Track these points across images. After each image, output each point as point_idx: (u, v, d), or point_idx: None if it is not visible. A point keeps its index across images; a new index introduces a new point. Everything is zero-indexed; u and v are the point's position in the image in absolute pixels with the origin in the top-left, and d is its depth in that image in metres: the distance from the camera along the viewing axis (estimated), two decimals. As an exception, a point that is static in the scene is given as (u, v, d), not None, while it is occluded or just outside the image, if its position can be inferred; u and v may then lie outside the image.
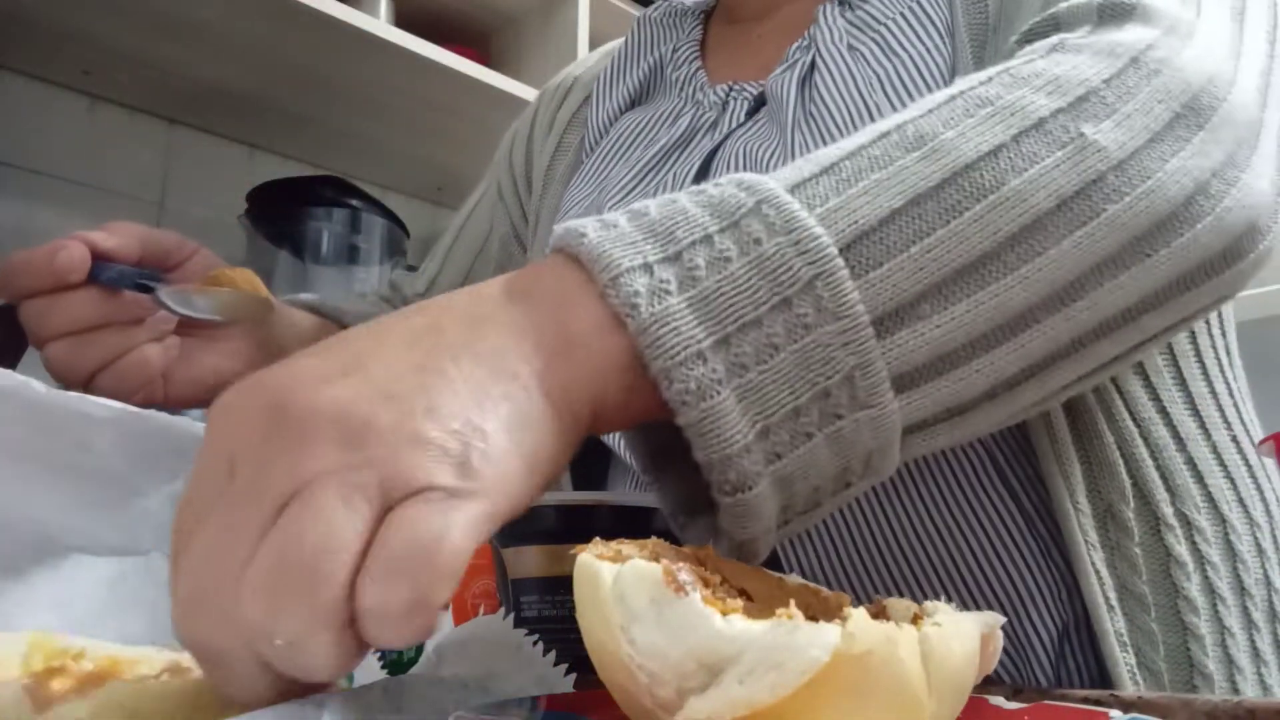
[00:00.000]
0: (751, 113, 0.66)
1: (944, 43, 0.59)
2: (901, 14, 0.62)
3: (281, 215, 1.40)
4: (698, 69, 0.73)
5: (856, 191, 0.37)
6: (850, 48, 0.62)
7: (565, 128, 0.80)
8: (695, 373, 0.34)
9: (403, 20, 1.41)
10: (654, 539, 0.34)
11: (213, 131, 1.51)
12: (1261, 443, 0.40)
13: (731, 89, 0.69)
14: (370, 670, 0.46)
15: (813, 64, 0.63)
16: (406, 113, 1.47)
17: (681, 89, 0.73)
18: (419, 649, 0.53)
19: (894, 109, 0.57)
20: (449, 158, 1.58)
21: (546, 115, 0.84)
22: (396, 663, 0.54)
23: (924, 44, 0.60)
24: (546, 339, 0.34)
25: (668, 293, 0.34)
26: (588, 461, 0.71)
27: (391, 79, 1.39)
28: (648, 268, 0.34)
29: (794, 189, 0.37)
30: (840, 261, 0.35)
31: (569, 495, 0.49)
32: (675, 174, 0.66)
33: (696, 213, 0.36)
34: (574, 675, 0.36)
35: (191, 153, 1.50)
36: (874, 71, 0.60)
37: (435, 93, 1.43)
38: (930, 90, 0.57)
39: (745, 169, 0.62)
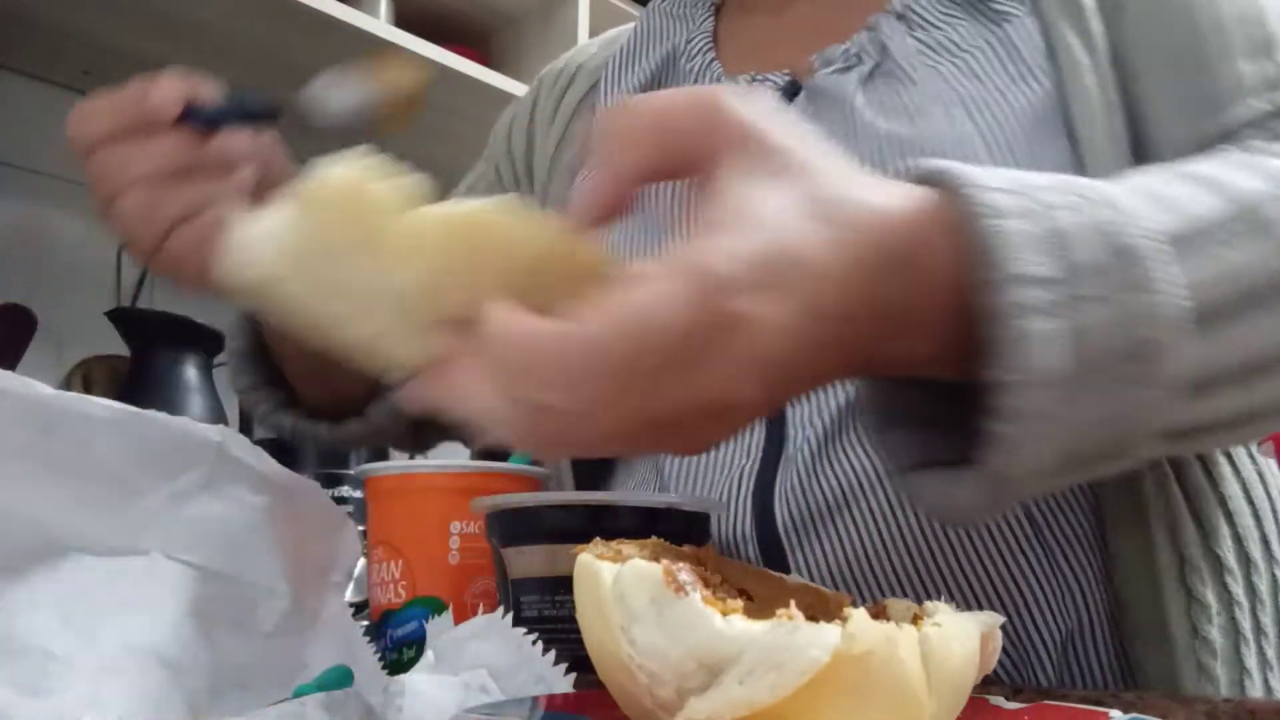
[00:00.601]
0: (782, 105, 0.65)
1: (1039, 69, 0.59)
2: (987, 42, 0.61)
3: (281, 215, 1.40)
4: (712, 60, 0.72)
5: (1223, 271, 0.40)
6: (928, 65, 0.61)
7: (571, 116, 0.79)
8: (1036, 396, 0.35)
9: (403, 20, 1.41)
10: (654, 539, 0.34)
11: (213, 131, 1.51)
12: (1261, 443, 0.40)
13: (754, 79, 0.68)
14: (371, 670, 0.46)
15: (874, 70, 0.62)
16: (407, 112, 1.47)
17: (696, 80, 0.72)
18: (419, 649, 0.53)
19: (978, 130, 0.57)
20: (449, 158, 1.58)
21: (549, 103, 0.82)
22: (397, 663, 0.54)
23: (1009, 73, 0.60)
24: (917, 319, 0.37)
25: (1050, 314, 0.35)
26: (590, 461, 0.71)
27: (391, 79, 1.39)
28: (1043, 282, 0.35)
29: (1176, 244, 0.39)
30: (1189, 337, 0.38)
31: (570, 495, 0.49)
32: None
33: (1091, 239, 0.37)
34: (574, 675, 0.36)
35: (191, 153, 1.50)
36: (956, 90, 0.59)
37: (435, 93, 1.42)
38: (1016, 116, 0.57)
39: None
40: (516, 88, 1.44)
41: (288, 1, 1.22)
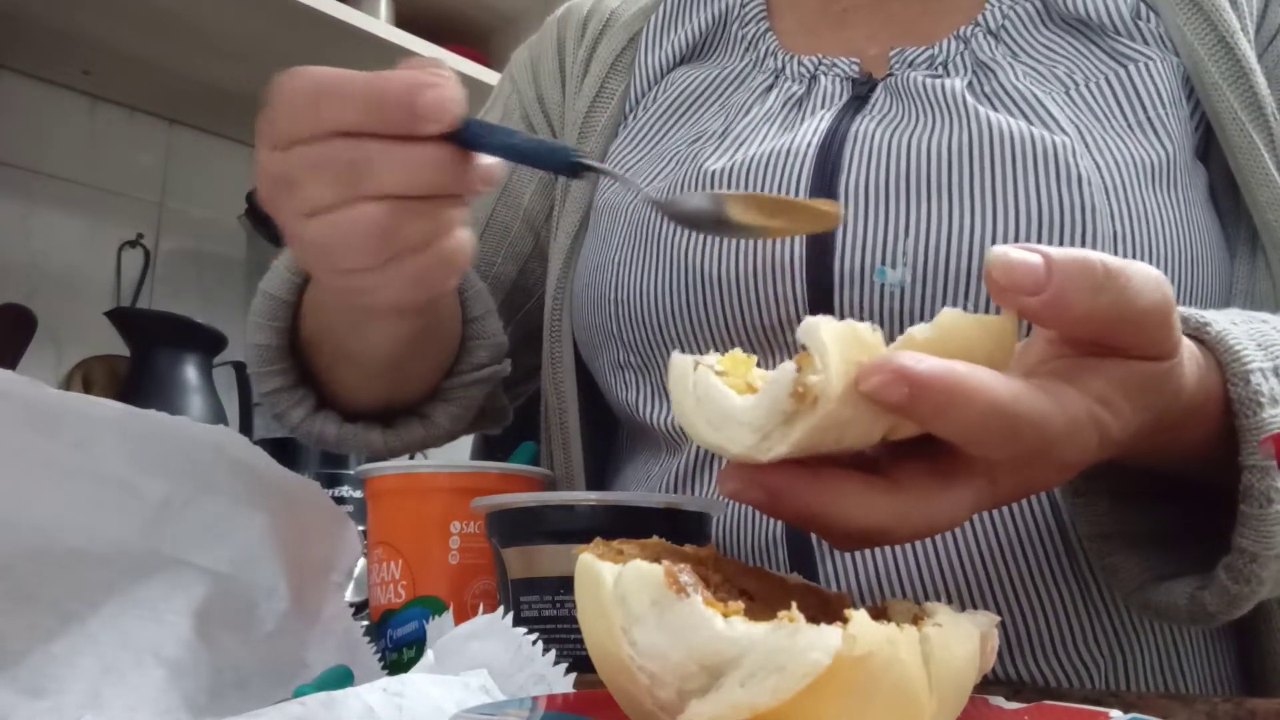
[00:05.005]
0: (859, 97, 0.63)
1: (1160, 121, 0.59)
2: (1107, 80, 0.60)
3: (281, 215, 1.40)
4: (766, 29, 0.69)
5: None
6: (1043, 92, 0.59)
7: (607, 72, 0.73)
8: (1271, 571, 0.41)
9: (403, 20, 1.41)
10: (655, 539, 0.34)
11: (213, 131, 1.51)
12: (1262, 442, 0.40)
13: (820, 63, 0.65)
14: (371, 670, 0.46)
15: (973, 84, 0.60)
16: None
17: (747, 50, 0.69)
18: (419, 649, 0.53)
19: (1097, 169, 0.56)
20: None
21: (580, 51, 0.76)
22: (397, 663, 0.54)
23: (1127, 119, 0.59)
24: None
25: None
26: (595, 460, 0.71)
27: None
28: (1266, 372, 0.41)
29: None
30: None
31: (570, 495, 0.49)
32: (778, 151, 0.61)
33: None
34: (574, 675, 0.36)
35: (191, 153, 1.50)
36: (1074, 123, 0.58)
37: (435, 93, 1.42)
38: (1135, 165, 0.57)
39: (903, 159, 0.58)
40: (516, 88, 1.44)
41: (288, 1, 1.22)
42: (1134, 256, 0.52)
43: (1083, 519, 0.47)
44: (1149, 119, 0.59)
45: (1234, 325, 0.43)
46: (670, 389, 0.33)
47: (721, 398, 0.31)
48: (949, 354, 0.31)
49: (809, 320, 0.30)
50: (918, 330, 0.32)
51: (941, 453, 0.33)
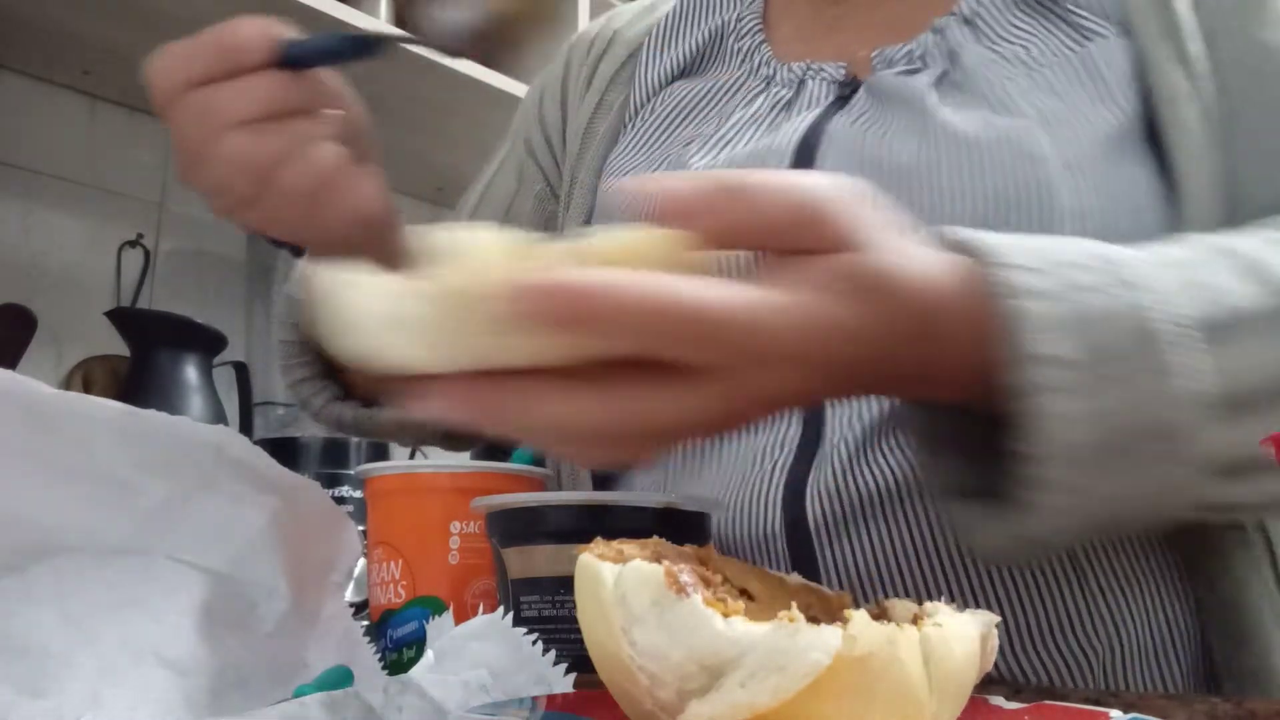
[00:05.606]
0: (841, 98, 0.64)
1: (1122, 93, 0.59)
2: (1066, 59, 0.60)
3: (281, 215, 1.40)
4: (761, 41, 0.71)
5: (1255, 363, 0.41)
6: (1004, 78, 0.60)
7: (607, 86, 0.76)
8: (1059, 470, 0.38)
9: (402, 20, 1.41)
10: (655, 539, 0.34)
11: (213, 131, 1.51)
12: (1262, 443, 0.40)
13: (809, 68, 0.67)
14: (371, 670, 0.47)
15: (943, 76, 0.61)
16: (406, 113, 1.47)
17: (743, 61, 0.71)
18: (419, 649, 0.53)
19: (1055, 147, 0.56)
20: (448, 158, 1.58)
21: (583, 70, 0.79)
22: (397, 663, 0.54)
23: (1088, 93, 0.59)
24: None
25: (1072, 392, 0.38)
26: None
27: (391, 79, 1.39)
28: (1063, 363, 0.38)
29: (1208, 331, 0.40)
30: (1215, 422, 0.39)
31: (570, 495, 0.49)
32: (760, 150, 0.63)
33: (1116, 324, 0.39)
34: (574, 675, 0.36)
35: (191, 152, 1.50)
36: (1033, 105, 0.58)
37: (435, 93, 1.42)
38: (1094, 137, 0.57)
39: (871, 159, 0.59)
40: (516, 88, 1.44)
41: (288, 1, 1.22)
42: (1097, 231, 0.52)
43: (922, 467, 0.48)
44: (1109, 90, 0.59)
45: (990, 236, 0.41)
46: (319, 303, 0.33)
47: (367, 303, 0.31)
48: (617, 264, 0.31)
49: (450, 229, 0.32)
50: (581, 242, 0.32)
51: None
